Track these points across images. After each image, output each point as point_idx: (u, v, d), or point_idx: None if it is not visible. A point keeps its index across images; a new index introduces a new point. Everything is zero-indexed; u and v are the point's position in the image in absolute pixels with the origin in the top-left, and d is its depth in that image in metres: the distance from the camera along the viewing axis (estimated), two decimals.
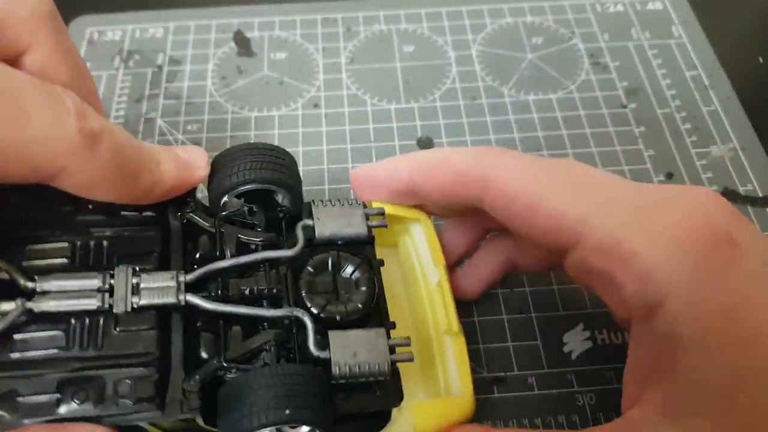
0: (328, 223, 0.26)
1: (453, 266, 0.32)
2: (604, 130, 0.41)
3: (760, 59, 0.45)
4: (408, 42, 0.46)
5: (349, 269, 0.25)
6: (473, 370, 0.32)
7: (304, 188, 0.38)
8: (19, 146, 0.19)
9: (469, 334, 0.33)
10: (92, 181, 0.21)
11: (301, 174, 0.39)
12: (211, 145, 0.40)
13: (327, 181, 0.39)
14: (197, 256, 0.25)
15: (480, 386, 0.32)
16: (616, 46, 0.46)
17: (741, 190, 0.38)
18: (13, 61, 0.23)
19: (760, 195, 0.38)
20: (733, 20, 0.48)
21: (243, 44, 0.46)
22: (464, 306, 0.34)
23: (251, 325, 0.24)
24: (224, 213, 0.26)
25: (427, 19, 0.47)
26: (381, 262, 0.27)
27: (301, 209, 0.27)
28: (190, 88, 0.43)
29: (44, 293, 0.22)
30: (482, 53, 0.45)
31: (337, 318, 0.24)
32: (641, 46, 0.46)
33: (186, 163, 0.25)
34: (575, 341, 0.33)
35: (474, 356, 0.32)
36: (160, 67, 0.44)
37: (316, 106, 0.42)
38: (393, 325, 0.25)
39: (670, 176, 0.39)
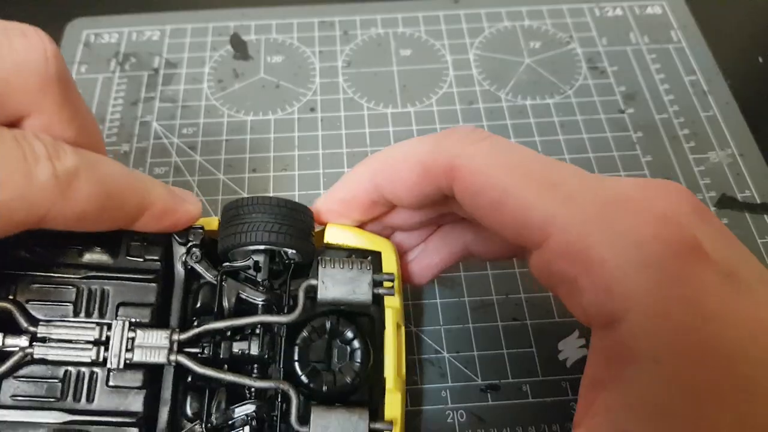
0: (332, 288, 0.25)
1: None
2: (601, 135, 0.41)
3: (760, 59, 0.45)
4: (405, 46, 0.46)
5: (348, 334, 0.25)
6: (467, 378, 0.32)
7: (299, 192, 0.39)
8: None
9: (464, 341, 0.33)
10: (76, 218, 0.21)
11: (296, 178, 0.39)
12: (206, 148, 0.40)
13: (322, 185, 0.38)
14: (197, 306, 0.25)
15: (474, 394, 0.32)
16: (615, 51, 0.45)
17: (739, 196, 0.38)
18: (11, 125, 0.22)
19: (758, 201, 0.38)
20: (733, 25, 0.48)
21: (239, 47, 0.45)
22: (460, 314, 0.34)
23: (239, 389, 0.24)
24: (228, 264, 0.26)
25: (425, 22, 0.47)
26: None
27: (312, 257, 0.26)
28: (186, 91, 0.43)
29: (45, 339, 0.23)
30: (479, 57, 0.45)
31: (324, 389, 0.24)
32: (639, 50, 0.45)
33: (179, 195, 0.25)
34: (570, 349, 0.33)
35: (468, 364, 0.32)
36: (156, 70, 0.44)
37: (312, 109, 0.42)
38: (383, 394, 0.25)
39: None
